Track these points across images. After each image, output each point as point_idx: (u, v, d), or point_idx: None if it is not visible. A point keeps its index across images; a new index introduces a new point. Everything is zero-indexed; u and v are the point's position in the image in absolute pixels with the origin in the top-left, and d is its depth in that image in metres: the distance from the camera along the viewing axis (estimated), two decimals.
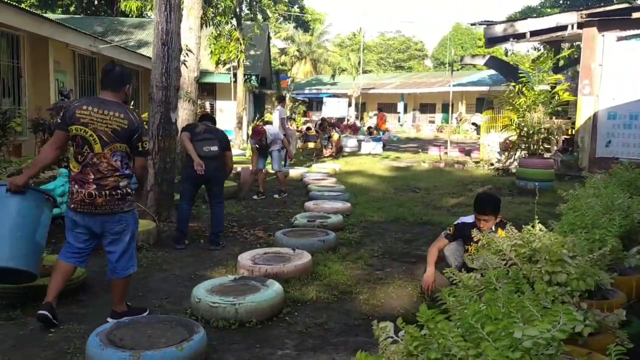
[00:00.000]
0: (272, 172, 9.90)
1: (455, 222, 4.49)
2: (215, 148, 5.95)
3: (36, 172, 3.86)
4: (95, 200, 3.58)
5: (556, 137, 11.87)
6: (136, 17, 19.53)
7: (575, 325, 1.85)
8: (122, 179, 3.66)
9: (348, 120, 32.42)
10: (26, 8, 13.96)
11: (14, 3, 11.48)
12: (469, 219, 4.37)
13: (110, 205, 3.62)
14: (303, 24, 44.86)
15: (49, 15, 24.45)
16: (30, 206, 3.77)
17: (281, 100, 14.06)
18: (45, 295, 3.70)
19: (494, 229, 4.12)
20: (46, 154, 3.70)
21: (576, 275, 2.65)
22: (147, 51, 19.74)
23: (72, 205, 3.65)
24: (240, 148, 18.02)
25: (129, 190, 3.72)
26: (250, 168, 9.68)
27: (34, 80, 11.91)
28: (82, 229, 3.71)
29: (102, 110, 3.59)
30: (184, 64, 7.60)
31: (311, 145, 17.90)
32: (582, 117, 12.31)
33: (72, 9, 33.46)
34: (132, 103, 14.11)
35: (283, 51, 44.81)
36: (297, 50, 45.54)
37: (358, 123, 30.24)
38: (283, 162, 13.59)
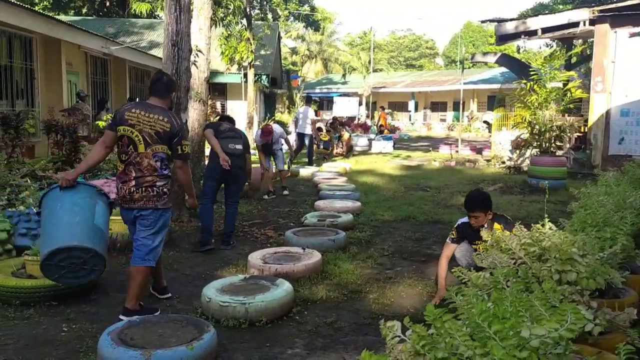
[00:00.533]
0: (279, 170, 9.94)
1: (455, 226, 4.44)
2: (239, 147, 6.08)
3: (86, 169, 4.19)
4: (134, 195, 3.87)
5: (568, 134, 11.79)
6: (147, 18, 19.67)
7: (584, 324, 1.84)
8: (160, 179, 3.91)
9: (359, 119, 32.41)
10: (39, 10, 14.09)
11: (27, 6, 11.60)
12: (465, 217, 4.36)
13: (145, 200, 3.88)
14: (313, 23, 44.88)
15: (62, 17, 24.66)
16: (84, 196, 3.91)
17: (308, 100, 14.13)
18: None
19: (486, 225, 4.09)
20: (96, 152, 3.99)
21: (586, 274, 2.63)
22: (158, 52, 19.84)
23: (119, 201, 3.99)
24: (252, 148, 18.04)
25: (165, 190, 3.95)
26: (261, 168, 9.72)
27: (47, 81, 12.04)
28: (130, 224, 4.06)
29: (147, 114, 3.89)
30: (194, 65, 7.63)
31: (324, 151, 17.35)
32: (594, 114, 12.20)
33: (84, 10, 33.74)
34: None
35: (293, 50, 44.84)
36: (308, 50, 45.54)
37: (369, 122, 30.20)
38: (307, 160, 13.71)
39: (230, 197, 6.20)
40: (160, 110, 3.93)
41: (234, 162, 5.90)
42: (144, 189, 3.86)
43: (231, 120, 6.54)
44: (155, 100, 4.01)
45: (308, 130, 13.84)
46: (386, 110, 40.08)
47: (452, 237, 4.42)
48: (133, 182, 3.85)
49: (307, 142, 14.09)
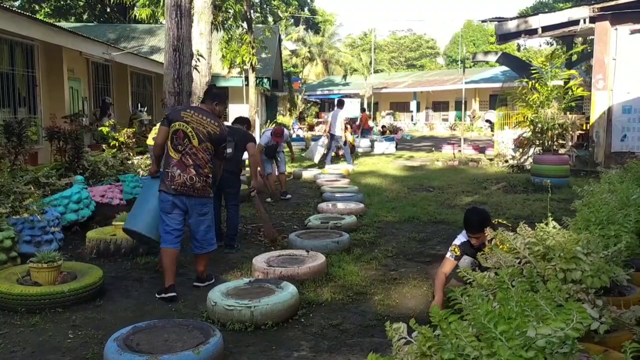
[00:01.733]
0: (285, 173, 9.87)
1: (456, 243, 4.25)
2: (229, 150, 5.99)
3: (158, 162, 4.80)
4: (195, 184, 4.46)
5: (570, 132, 11.78)
6: (147, 23, 19.75)
7: (590, 323, 1.84)
8: (210, 170, 4.58)
9: (360, 120, 32.38)
10: (40, 18, 14.11)
11: (28, 13, 11.63)
12: (465, 236, 4.22)
13: (204, 190, 4.54)
14: (313, 26, 44.96)
15: (63, 24, 24.75)
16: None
17: (340, 103, 14.24)
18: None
19: (486, 242, 4.01)
20: (158, 149, 4.64)
21: (591, 272, 2.63)
22: (159, 57, 19.89)
23: (173, 187, 4.45)
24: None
25: (211, 181, 4.64)
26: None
27: (49, 88, 12.06)
28: (178, 210, 4.51)
29: (200, 115, 4.56)
30: (196, 69, 7.65)
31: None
32: (596, 112, 12.19)
33: (85, 17, 33.85)
34: (145, 109, 14.26)
35: (294, 53, 44.93)
36: (308, 52, 45.59)
37: (371, 123, 30.19)
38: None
39: (228, 200, 6.22)
40: (211, 115, 4.62)
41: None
42: (203, 179, 4.49)
43: (244, 121, 6.65)
44: (204, 106, 4.74)
45: (338, 131, 13.86)
46: (387, 111, 40.20)
47: (455, 254, 4.21)
48: (193, 171, 4.45)
49: (340, 142, 14.13)
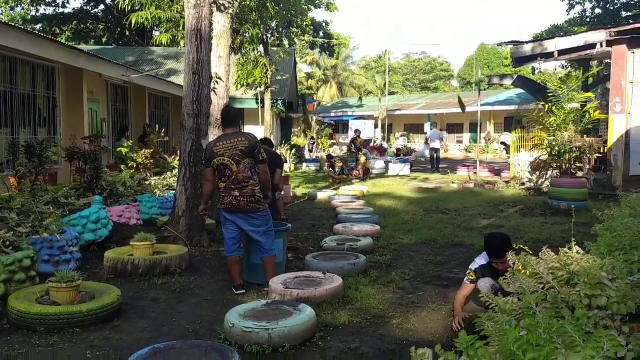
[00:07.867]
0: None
1: (472, 268, 4.25)
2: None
3: (207, 201, 5.46)
4: (239, 203, 5.05)
5: (588, 155, 11.67)
6: (167, 47, 20.08)
7: (621, 351, 1.80)
8: (255, 186, 5.08)
9: (374, 142, 32.49)
10: (62, 41, 14.38)
11: (50, 36, 11.87)
12: (483, 259, 4.19)
13: (249, 207, 5.07)
14: (328, 48, 45.37)
15: (83, 46, 25.23)
16: None
17: (435, 124, 21.55)
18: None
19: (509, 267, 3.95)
20: (207, 188, 5.33)
21: (617, 298, 2.58)
22: (177, 79, 20.18)
23: (223, 207, 5.14)
24: None
25: (261, 197, 5.14)
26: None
27: (69, 110, 12.24)
28: (231, 223, 5.16)
29: (229, 141, 5.09)
30: (214, 92, 7.74)
31: (341, 177, 16.29)
32: (614, 135, 12.10)
33: (104, 40, 34.51)
34: (163, 130, 14.42)
35: (309, 75, 45.33)
36: (323, 74, 46.02)
37: (385, 145, 30.26)
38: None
39: None
40: (236, 135, 5.14)
41: None
42: (247, 198, 5.03)
43: (269, 142, 7.17)
44: (229, 130, 5.21)
45: (437, 145, 20.23)
46: (401, 133, 40.24)
47: (471, 278, 4.22)
48: (237, 192, 5.02)
49: (435, 155, 20.06)
